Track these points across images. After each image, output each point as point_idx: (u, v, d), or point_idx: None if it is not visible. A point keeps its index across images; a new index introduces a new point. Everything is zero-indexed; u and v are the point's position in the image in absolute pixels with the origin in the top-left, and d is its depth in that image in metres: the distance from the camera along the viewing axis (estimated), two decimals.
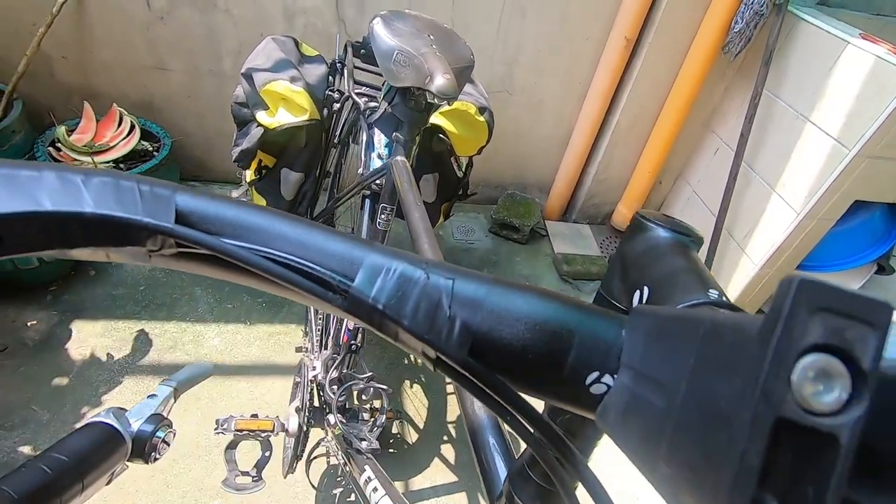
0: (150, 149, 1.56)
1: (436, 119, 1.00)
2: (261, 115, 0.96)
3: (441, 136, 1.02)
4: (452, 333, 0.14)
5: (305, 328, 1.40)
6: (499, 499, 0.32)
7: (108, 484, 0.26)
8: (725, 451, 0.08)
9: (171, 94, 1.60)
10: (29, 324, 1.31)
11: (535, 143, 1.88)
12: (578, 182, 1.95)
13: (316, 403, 0.92)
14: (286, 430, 0.78)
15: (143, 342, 1.34)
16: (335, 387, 0.83)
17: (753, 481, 0.08)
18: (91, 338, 1.32)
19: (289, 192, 1.08)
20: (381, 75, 1.02)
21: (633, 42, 1.56)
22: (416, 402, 1.34)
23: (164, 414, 0.28)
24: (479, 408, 0.37)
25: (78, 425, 0.29)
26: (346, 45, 1.08)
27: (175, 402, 0.31)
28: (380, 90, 1.06)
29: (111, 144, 1.49)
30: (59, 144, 1.45)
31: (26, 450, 1.10)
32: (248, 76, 0.97)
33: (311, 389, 0.91)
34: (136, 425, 0.27)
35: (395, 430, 1.26)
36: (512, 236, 1.89)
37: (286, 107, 0.94)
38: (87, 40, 1.47)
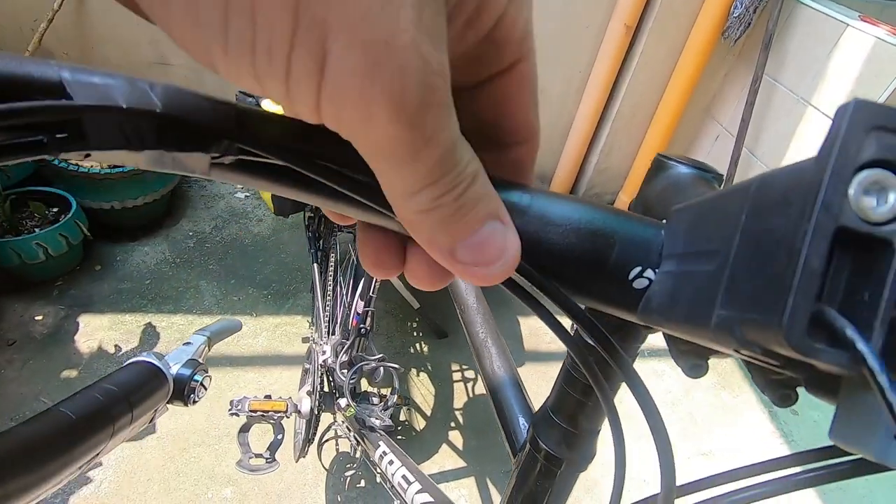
0: None
1: None
2: (266, 103, 0.96)
3: None
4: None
5: (311, 318, 1.41)
6: (522, 449, 0.33)
7: (151, 422, 0.27)
8: (786, 266, 0.09)
9: None
10: (36, 318, 1.32)
11: None
12: (580, 171, 1.96)
13: (326, 389, 0.93)
14: (299, 412, 0.79)
15: (150, 335, 1.35)
16: (345, 370, 0.84)
17: (816, 284, 0.08)
18: (98, 331, 1.33)
19: None
20: None
21: (632, 29, 1.57)
22: (423, 389, 1.35)
23: (199, 360, 0.29)
24: (498, 367, 0.38)
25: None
26: None
27: (209, 350, 0.32)
28: None
29: None
30: None
31: None
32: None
33: (322, 374, 0.91)
34: (175, 368, 0.28)
35: (402, 417, 1.27)
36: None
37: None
38: (88, 36, 1.47)
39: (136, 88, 0.13)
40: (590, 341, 0.20)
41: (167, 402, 0.28)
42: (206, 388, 0.29)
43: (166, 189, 1.58)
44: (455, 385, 1.38)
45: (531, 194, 0.16)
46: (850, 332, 0.08)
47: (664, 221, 0.16)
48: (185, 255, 1.57)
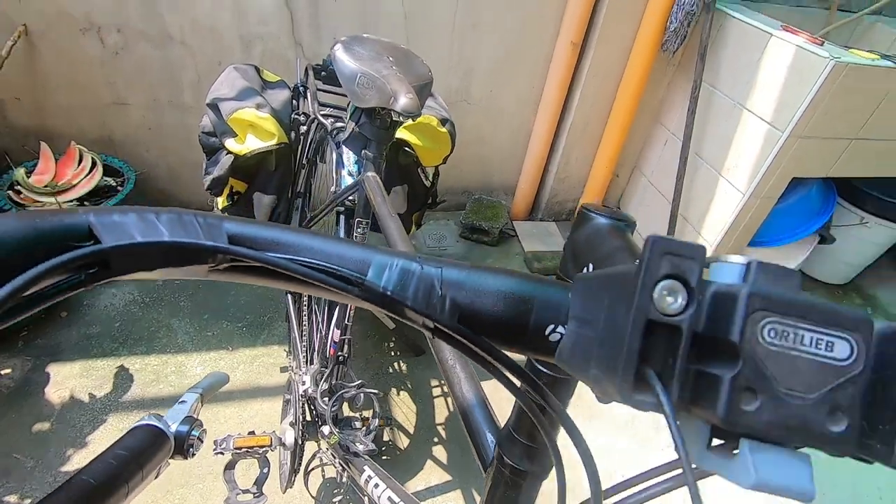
0: (114, 184, 1.56)
1: (401, 133, 1.05)
2: (230, 143, 0.99)
3: (407, 149, 1.07)
4: (445, 307, 0.19)
5: (288, 347, 1.42)
6: (491, 464, 0.37)
7: (156, 476, 0.30)
8: (621, 347, 0.13)
9: (131, 129, 1.60)
10: (2, 372, 1.29)
11: (496, 148, 1.95)
12: (541, 182, 2.03)
13: (308, 418, 0.95)
14: (283, 444, 0.81)
15: (124, 378, 1.33)
16: (326, 398, 0.86)
17: (635, 358, 0.13)
18: (69, 380, 1.30)
19: (262, 215, 1.11)
20: (343, 95, 1.06)
21: (579, 46, 1.65)
22: (404, 407, 1.38)
23: (195, 416, 0.32)
24: (466, 390, 0.42)
25: (70, 465, 0.31)
26: (306, 69, 1.12)
27: (202, 406, 0.34)
28: (343, 109, 1.10)
29: (73, 183, 1.48)
30: (18, 187, 1.43)
31: (13, 499, 1.08)
32: (213, 106, 1.00)
33: (303, 404, 0.93)
34: (174, 427, 0.30)
35: (386, 437, 1.29)
36: (482, 239, 1.95)
37: (254, 133, 0.97)
38: (40, 81, 1.45)
39: (147, 221, 0.17)
40: (524, 383, 0.24)
41: (170, 458, 0.31)
42: (202, 442, 0.32)
43: None
44: (435, 401, 1.41)
45: (467, 270, 0.20)
46: (655, 385, 0.13)
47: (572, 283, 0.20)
48: (154, 294, 1.56)
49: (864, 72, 1.25)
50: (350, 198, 0.91)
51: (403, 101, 0.66)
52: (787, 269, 0.15)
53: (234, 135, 0.98)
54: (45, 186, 1.45)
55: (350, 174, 0.96)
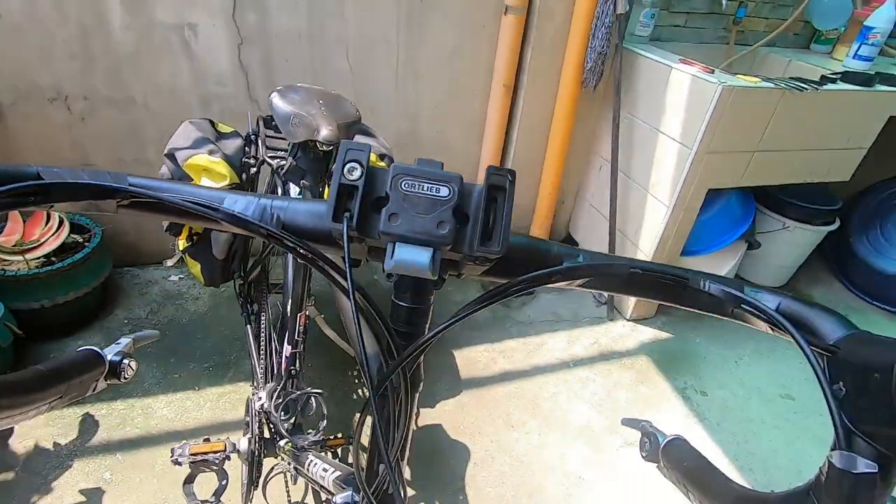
0: (81, 240, 1.63)
1: None
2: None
3: None
4: (272, 221, 0.29)
5: (253, 382, 1.47)
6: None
7: (91, 393, 0.37)
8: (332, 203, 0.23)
9: None
10: None
11: (450, 148, 2.09)
12: None
13: (266, 434, 1.00)
14: (238, 451, 0.86)
15: (89, 425, 1.36)
16: (281, 412, 0.93)
17: (334, 205, 0.23)
18: (33, 430, 1.32)
19: (220, 251, 1.19)
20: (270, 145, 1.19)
21: (511, 88, 1.83)
22: (365, 430, 1.42)
23: (128, 352, 0.40)
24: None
25: None
26: (257, 120, 1.24)
27: (134, 348, 0.42)
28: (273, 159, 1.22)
29: (41, 241, 1.54)
30: None
31: None
32: (170, 155, 1.11)
33: (260, 421, 0.99)
34: (109, 356, 0.38)
35: (350, 460, 1.33)
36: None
37: (208, 176, 1.08)
38: (8, 147, 1.55)
39: (75, 172, 0.27)
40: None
41: (105, 379, 0.39)
42: (133, 369, 0.40)
43: (97, 282, 1.62)
44: None
45: (289, 201, 0.30)
46: (343, 219, 0.23)
47: None
48: None
49: (749, 93, 1.44)
50: None
51: (325, 132, 0.78)
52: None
53: (190, 179, 1.08)
54: (13, 246, 1.52)
55: None
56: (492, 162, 1.99)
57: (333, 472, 0.62)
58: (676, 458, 0.37)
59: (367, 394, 1.52)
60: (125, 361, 0.39)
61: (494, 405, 1.54)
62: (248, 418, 1.09)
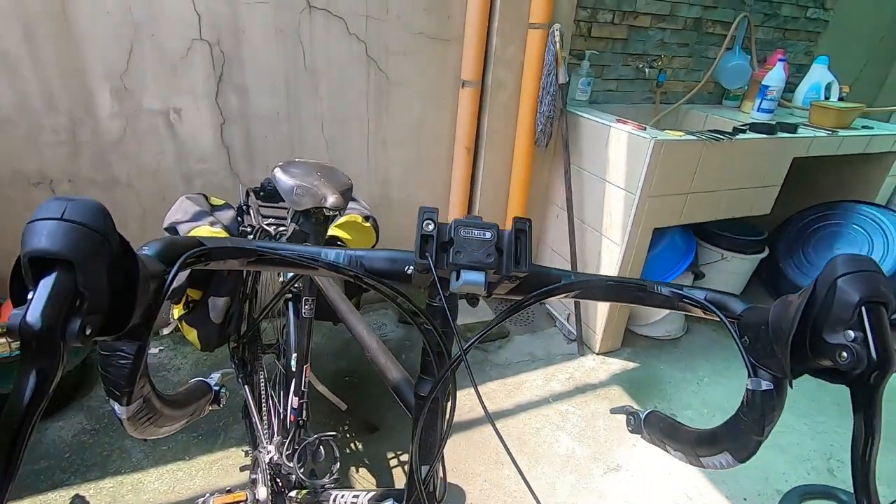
0: None
1: (333, 231, 1.28)
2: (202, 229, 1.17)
3: (339, 243, 1.30)
4: (360, 266, 0.41)
5: (247, 447, 1.48)
6: (415, 405, 0.55)
7: (201, 415, 0.46)
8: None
9: None
10: None
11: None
12: None
13: (276, 489, 1.04)
14: (258, 500, 0.90)
15: None
16: (291, 462, 0.98)
17: (419, 248, 0.35)
18: None
19: (218, 316, 1.26)
20: (279, 208, 1.30)
21: (472, 150, 2.03)
22: (364, 482, 1.46)
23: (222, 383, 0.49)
24: (386, 365, 0.62)
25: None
26: (247, 192, 1.36)
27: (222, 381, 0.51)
28: (282, 218, 1.33)
29: None
30: None
31: None
32: (171, 229, 1.19)
33: (271, 475, 1.03)
34: (213, 386, 0.47)
35: None
36: (419, 320, 2.14)
37: None
38: None
39: (221, 241, 0.38)
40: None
41: (209, 404, 0.48)
42: (225, 397, 0.49)
43: (78, 360, 1.62)
44: (393, 470, 1.50)
45: (371, 251, 0.42)
46: (429, 259, 0.35)
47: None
48: (104, 420, 1.58)
49: (676, 145, 1.69)
50: (296, 285, 1.11)
51: (331, 199, 0.90)
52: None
53: None
54: None
55: None
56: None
57: (367, 493, 0.69)
58: (654, 424, 0.49)
59: (360, 446, 1.55)
60: (222, 391, 0.48)
61: (483, 445, 1.61)
62: (254, 475, 1.13)
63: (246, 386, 1.31)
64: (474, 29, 1.81)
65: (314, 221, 0.99)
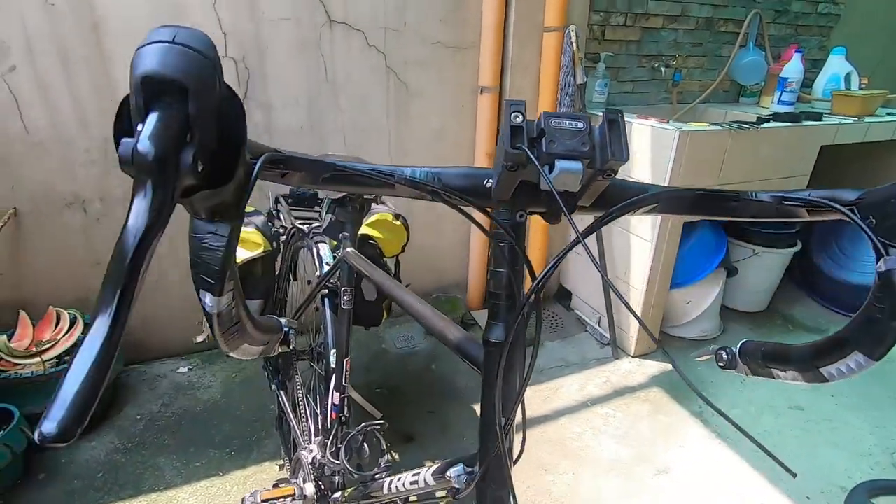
0: None
1: (364, 230, 1.28)
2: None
3: (371, 241, 1.29)
4: (438, 181, 0.39)
5: (281, 461, 1.44)
6: (482, 359, 0.53)
7: (271, 354, 0.44)
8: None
9: None
10: None
11: (442, 252, 2.21)
12: (488, 273, 2.28)
13: (320, 492, 1.00)
14: (305, 496, 0.86)
15: None
16: (336, 459, 0.94)
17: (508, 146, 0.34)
18: None
19: None
20: (310, 211, 1.30)
21: (493, 155, 2.03)
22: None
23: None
24: (446, 328, 0.59)
25: None
26: (276, 198, 1.36)
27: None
28: (313, 220, 1.33)
29: (54, 341, 1.54)
30: (0, 354, 1.48)
31: None
32: None
33: (315, 477, 0.99)
34: (284, 327, 0.46)
35: None
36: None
37: (244, 246, 1.16)
38: (23, 254, 1.60)
39: (307, 157, 0.36)
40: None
41: (280, 344, 0.46)
42: (293, 341, 0.47)
43: (109, 379, 1.60)
44: None
45: (444, 168, 0.41)
46: (532, 156, 0.33)
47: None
48: (136, 439, 1.56)
49: (702, 135, 1.67)
50: (332, 281, 1.09)
51: None
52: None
53: None
54: (26, 350, 1.51)
55: (328, 263, 1.15)
56: (480, 238, 2.14)
57: (427, 468, 0.65)
58: (753, 353, 0.45)
59: (397, 457, 1.50)
60: (291, 332, 0.46)
61: (525, 452, 1.54)
62: (295, 480, 1.08)
63: (280, 393, 1.28)
64: (490, 36, 1.84)
65: (350, 210, 0.98)
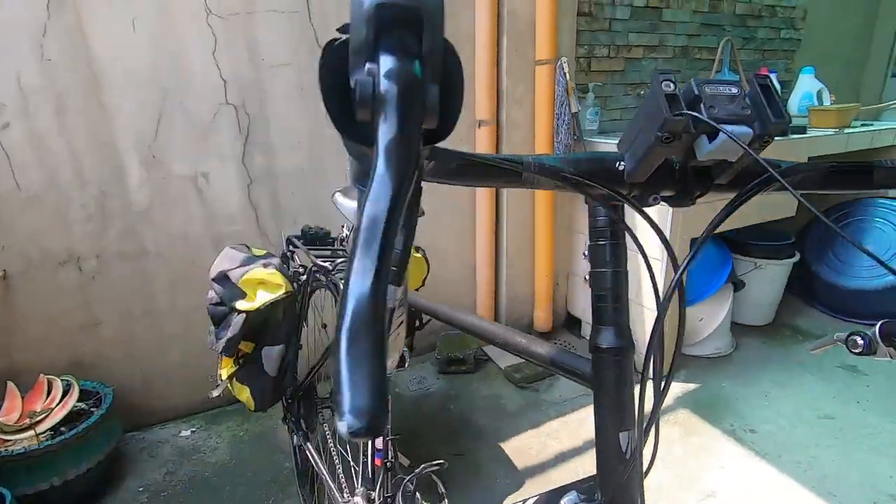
0: (86, 407, 1.51)
1: None
2: (240, 304, 1.10)
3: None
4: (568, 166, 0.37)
5: None
6: (592, 370, 0.48)
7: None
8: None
9: (103, 346, 1.62)
10: None
11: (449, 286, 2.17)
12: (496, 305, 2.24)
13: None
14: None
15: None
16: None
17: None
18: None
19: (273, 367, 1.17)
20: (325, 250, 1.25)
21: (495, 191, 2.04)
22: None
23: None
24: (545, 350, 0.55)
25: None
26: (287, 239, 1.32)
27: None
28: (332, 258, 1.28)
29: (47, 411, 1.42)
30: None
31: None
32: (220, 278, 1.13)
33: None
34: None
35: None
36: (460, 369, 2.04)
37: (264, 288, 1.10)
38: (13, 321, 1.49)
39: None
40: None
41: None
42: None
43: (110, 447, 1.47)
44: None
45: (568, 155, 0.38)
46: (687, 111, 0.31)
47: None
48: None
49: None
50: None
51: None
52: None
53: (244, 295, 1.10)
54: (15, 423, 1.39)
55: None
56: (486, 267, 2.13)
57: (525, 502, 0.59)
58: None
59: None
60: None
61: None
62: None
63: (308, 443, 1.19)
64: (484, 71, 1.89)
65: None
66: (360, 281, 0.20)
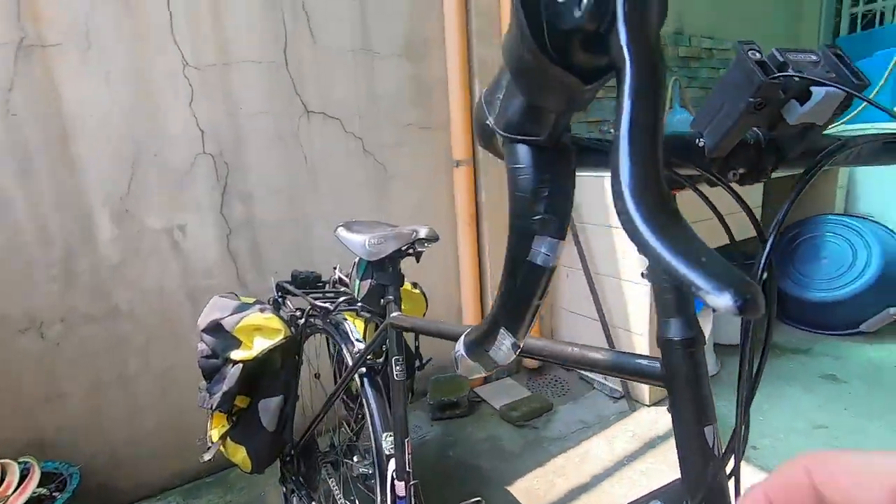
0: (48, 492, 1.35)
1: None
2: (236, 354, 1.03)
3: None
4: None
5: None
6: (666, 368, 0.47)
7: None
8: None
9: (67, 421, 1.47)
10: None
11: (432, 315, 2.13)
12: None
13: None
14: None
15: None
16: None
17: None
18: None
19: (271, 421, 1.09)
20: (317, 292, 1.21)
21: (474, 223, 2.06)
22: None
23: None
24: (602, 356, 0.53)
25: None
26: (277, 285, 1.27)
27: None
28: (328, 300, 1.23)
29: (4, 497, 1.26)
30: None
31: None
32: (211, 328, 1.06)
33: None
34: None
35: None
36: (455, 413, 1.96)
37: (262, 335, 1.04)
38: None
39: None
40: None
41: None
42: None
43: None
44: None
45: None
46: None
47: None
48: None
49: None
50: (368, 357, 0.99)
51: (424, 231, 0.85)
52: None
53: (240, 343, 1.04)
54: None
55: (358, 340, 1.05)
56: (471, 298, 2.11)
57: None
58: None
59: None
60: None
61: None
62: None
63: (312, 503, 1.10)
64: (458, 114, 1.95)
65: (390, 270, 0.92)
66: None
